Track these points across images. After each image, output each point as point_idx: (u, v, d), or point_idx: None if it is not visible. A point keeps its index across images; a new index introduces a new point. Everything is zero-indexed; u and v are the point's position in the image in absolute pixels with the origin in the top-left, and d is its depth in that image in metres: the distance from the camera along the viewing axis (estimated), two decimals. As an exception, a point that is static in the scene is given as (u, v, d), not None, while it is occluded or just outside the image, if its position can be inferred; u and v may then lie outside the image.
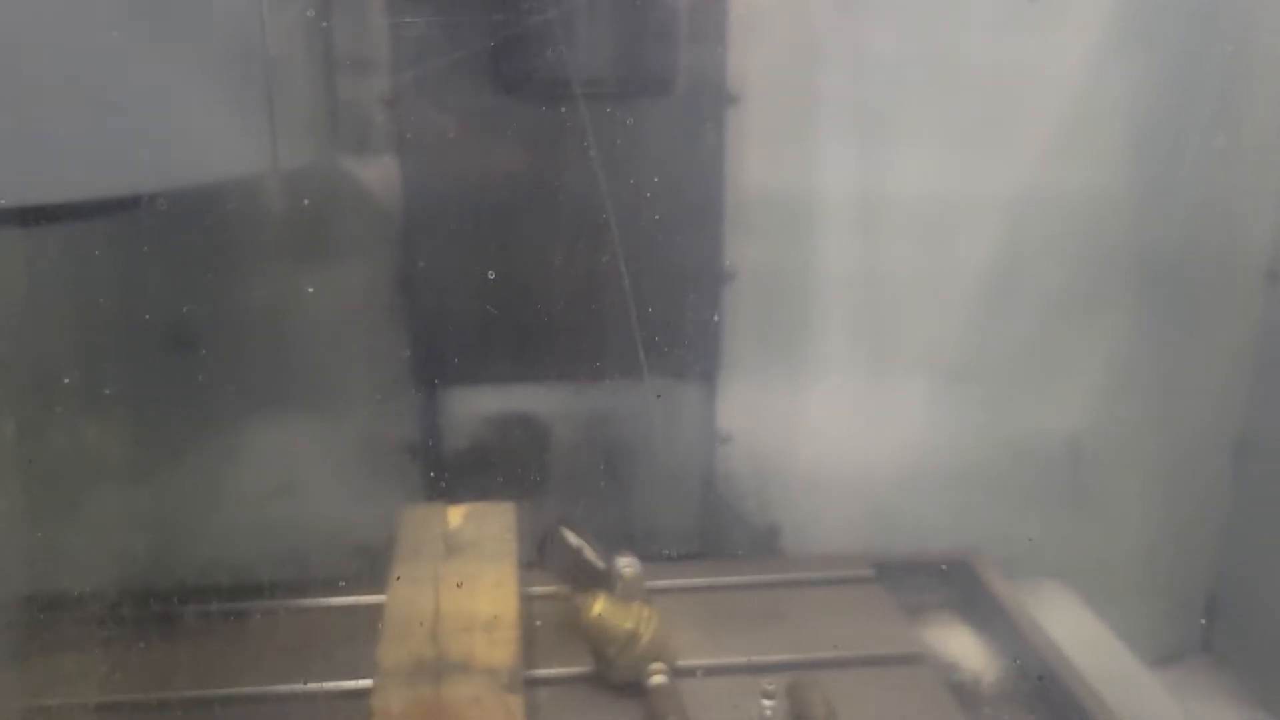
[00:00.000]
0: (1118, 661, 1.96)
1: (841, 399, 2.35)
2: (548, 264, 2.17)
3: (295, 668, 1.80)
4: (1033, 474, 2.40)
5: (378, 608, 1.88)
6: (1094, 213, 2.25)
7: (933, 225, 2.24)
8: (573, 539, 1.89)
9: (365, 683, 1.69)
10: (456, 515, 1.98)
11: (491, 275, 2.14)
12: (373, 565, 2.18)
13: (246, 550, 2.14)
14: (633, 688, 1.74)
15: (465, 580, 1.77)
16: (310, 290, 2.12)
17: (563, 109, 2.05)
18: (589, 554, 1.88)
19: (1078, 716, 1.74)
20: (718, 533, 2.31)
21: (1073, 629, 1.97)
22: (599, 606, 1.76)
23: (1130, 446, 2.40)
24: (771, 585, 2.09)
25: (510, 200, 2.13)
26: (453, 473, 2.32)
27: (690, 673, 1.75)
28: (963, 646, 2.00)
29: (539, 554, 1.90)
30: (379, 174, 2.12)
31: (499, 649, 1.62)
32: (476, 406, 2.31)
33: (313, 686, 1.76)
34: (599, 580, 1.84)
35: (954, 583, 2.17)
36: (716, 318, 2.26)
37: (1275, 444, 2.31)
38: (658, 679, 1.72)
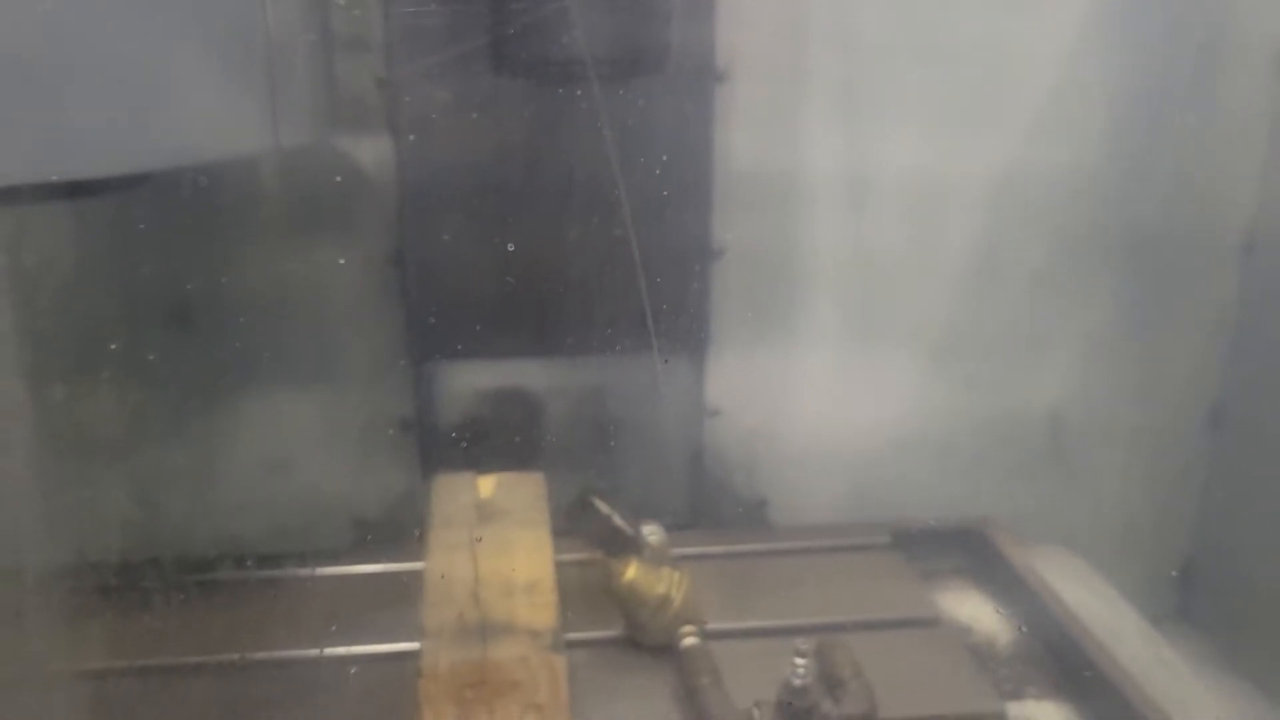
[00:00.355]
0: (1128, 623, 1.98)
1: (828, 373, 2.37)
2: (540, 241, 2.17)
3: (305, 634, 1.82)
4: (1014, 445, 2.42)
5: (381, 576, 1.96)
6: (1075, 189, 2.27)
7: (918, 203, 2.26)
8: (603, 506, 1.90)
9: (376, 648, 1.76)
10: (487, 485, 2.00)
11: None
12: (369, 537, 2.23)
13: (243, 523, 2.15)
14: (665, 650, 1.77)
15: (501, 547, 1.80)
16: (308, 267, 2.14)
17: (554, 88, 2.08)
18: (619, 521, 1.89)
19: (1092, 676, 1.77)
20: (707, 505, 2.32)
21: (1082, 593, 2.00)
22: (632, 571, 1.78)
23: (1109, 417, 2.42)
24: (791, 552, 2.12)
25: (502, 178, 2.14)
26: (447, 446, 2.32)
27: (719, 635, 1.77)
28: (976, 610, 2.03)
29: (570, 521, 1.91)
30: (373, 152, 2.12)
31: (540, 611, 1.64)
32: (470, 381, 2.31)
33: (325, 652, 1.78)
34: (629, 546, 1.85)
35: (967, 549, 2.19)
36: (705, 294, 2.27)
37: (1250, 414, 2.35)
38: (689, 640, 1.74)
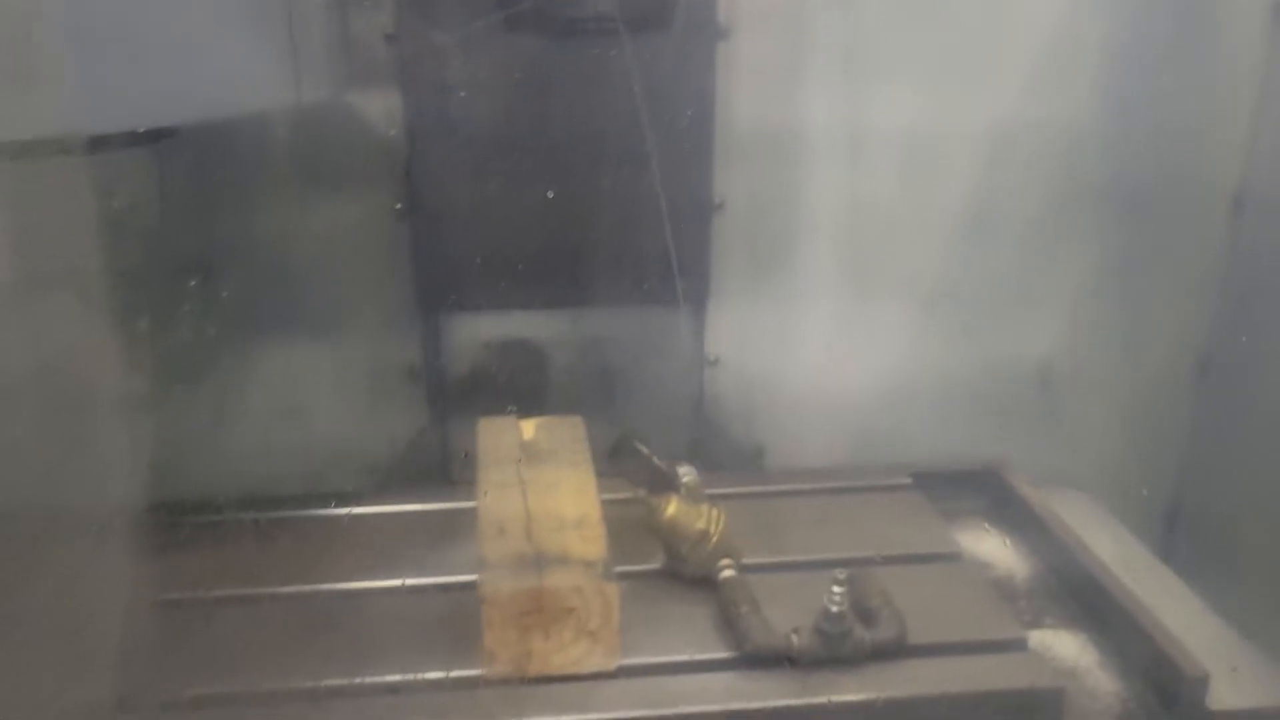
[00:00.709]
0: (1140, 559, 2.07)
1: (825, 324, 2.41)
2: (545, 195, 2.19)
3: (336, 570, 1.87)
4: (1006, 393, 2.47)
5: (398, 516, 2.04)
6: (1068, 143, 2.31)
7: (914, 157, 2.30)
8: (643, 448, 1.96)
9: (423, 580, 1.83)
10: (529, 427, 2.04)
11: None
12: (378, 482, 2.28)
13: (256, 468, 2.18)
14: (703, 582, 1.82)
15: (549, 485, 1.85)
16: (320, 220, 2.18)
17: (560, 43, 2.11)
18: (658, 461, 1.95)
19: (1110, 610, 1.84)
20: (707, 452, 2.35)
21: (1096, 531, 2.08)
22: (672, 508, 1.84)
23: (1098, 367, 2.48)
24: (816, 493, 2.16)
25: (508, 133, 2.17)
26: (454, 395, 2.37)
27: (753, 569, 1.83)
28: (994, 547, 2.10)
29: (611, 462, 1.96)
30: (382, 107, 2.14)
31: (591, 544, 1.69)
32: (476, 332, 2.35)
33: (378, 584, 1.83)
34: (667, 484, 1.91)
35: (984, 490, 2.25)
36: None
37: (1235, 365, 2.40)
38: (727, 572, 1.80)
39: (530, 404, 2.26)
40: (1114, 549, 2.02)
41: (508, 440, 2.01)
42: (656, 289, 2.29)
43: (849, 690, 1.64)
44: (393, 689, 1.64)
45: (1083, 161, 2.33)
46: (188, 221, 2.04)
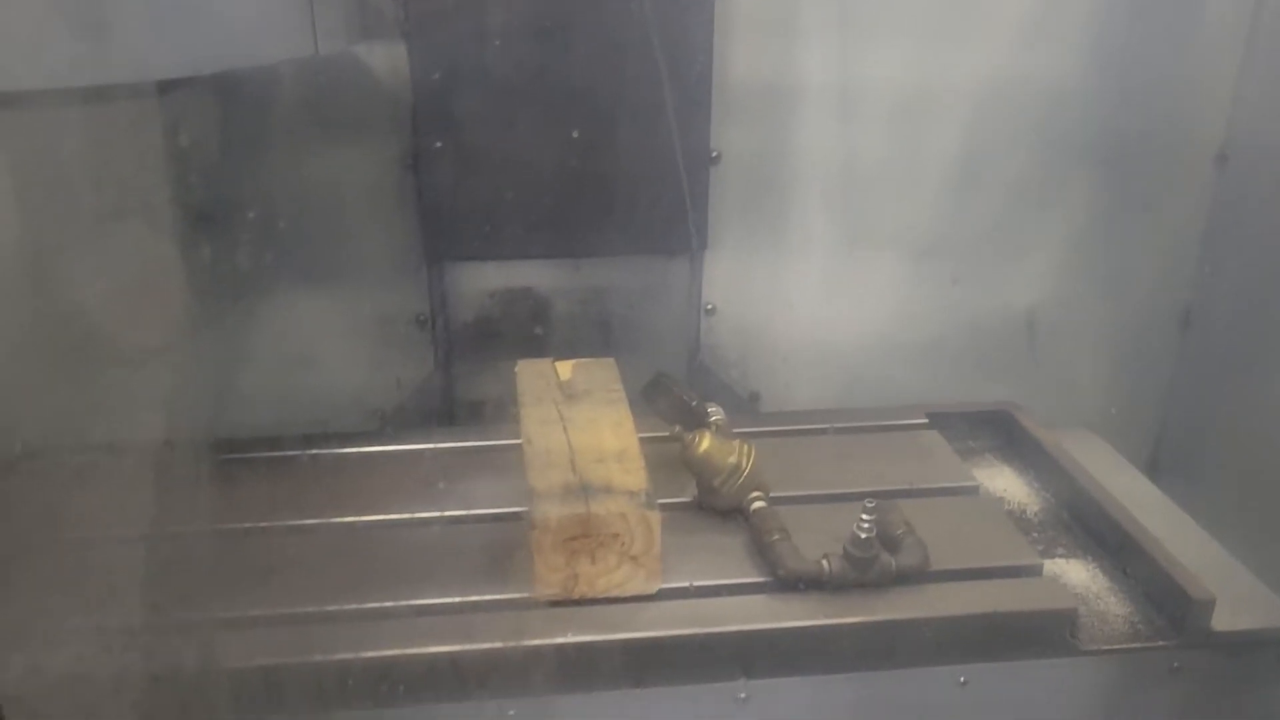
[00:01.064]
0: (1148, 494, 2.15)
1: (819, 274, 2.48)
2: (549, 146, 2.25)
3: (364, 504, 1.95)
4: (993, 343, 2.55)
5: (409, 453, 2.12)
6: (1055, 99, 2.37)
7: (906, 112, 2.36)
8: (676, 386, 2.04)
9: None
10: (565, 368, 2.11)
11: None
12: (385, 424, 2.36)
13: (269, 412, 2.24)
14: (734, 514, 1.91)
15: (588, 422, 1.93)
16: (330, 170, 2.23)
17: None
18: (691, 399, 2.03)
19: (1119, 540, 1.94)
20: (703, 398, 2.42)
21: (1104, 468, 2.16)
22: (706, 443, 1.91)
23: (1084, 317, 2.56)
24: (838, 431, 2.24)
25: (512, 84, 2.21)
26: (459, 342, 2.43)
27: (781, 502, 1.90)
28: (1008, 483, 2.19)
29: (646, 399, 2.04)
30: (388, 58, 2.18)
31: (632, 475, 1.77)
32: (482, 281, 2.41)
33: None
34: (699, 422, 1.99)
35: (997, 430, 2.34)
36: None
37: (1217, 316, 2.49)
38: (758, 504, 1.88)
39: (533, 351, 2.31)
40: (1121, 484, 2.09)
41: (546, 380, 2.08)
42: (655, 239, 2.37)
43: (876, 611, 1.73)
44: (438, 610, 1.72)
45: (1070, 116, 2.39)
46: (199, 173, 2.07)
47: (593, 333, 2.45)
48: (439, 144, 2.22)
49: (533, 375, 2.10)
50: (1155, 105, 2.39)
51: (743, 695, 1.70)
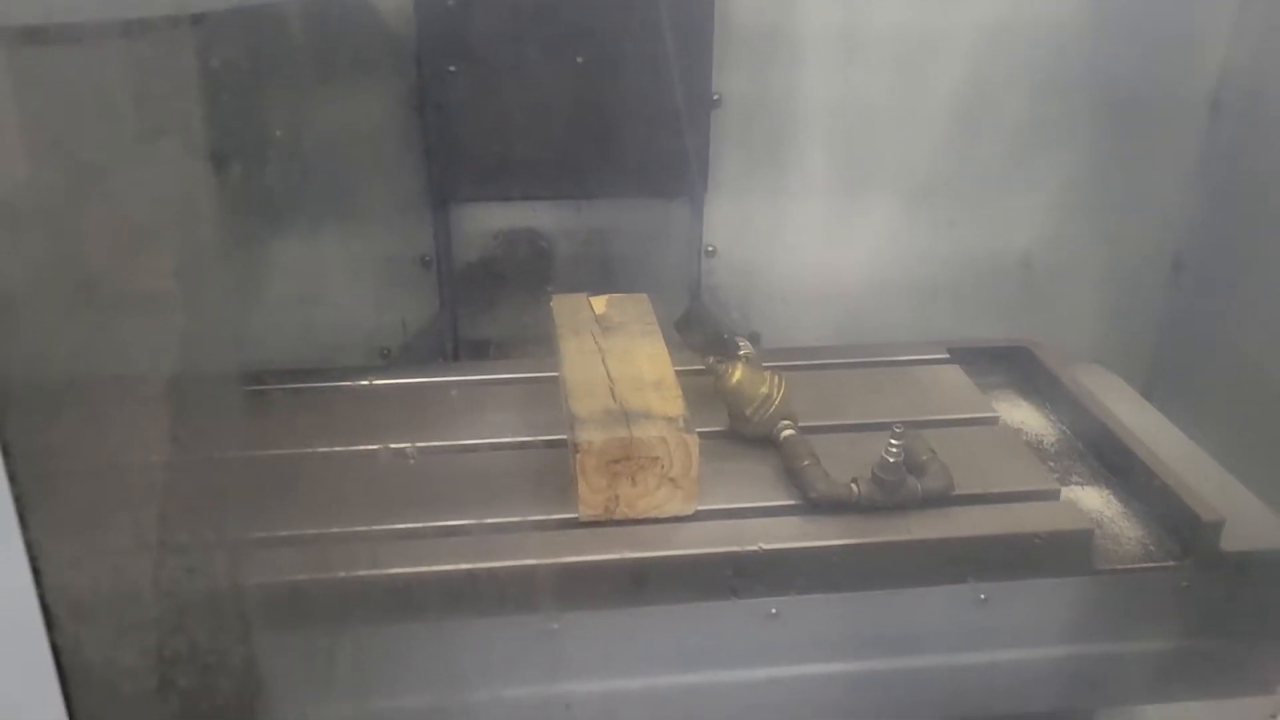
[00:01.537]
0: (1159, 425, 2.21)
1: (818, 216, 2.55)
2: (553, 88, 2.31)
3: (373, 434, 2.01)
4: (990, 284, 2.63)
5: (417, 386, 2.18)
6: (1054, 45, 2.42)
7: (906, 55, 2.42)
8: (709, 318, 2.11)
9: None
10: (599, 303, 2.18)
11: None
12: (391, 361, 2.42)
13: (276, 351, 2.27)
14: (764, 442, 1.98)
15: (625, 352, 2.01)
16: (336, 112, 2.27)
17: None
18: (723, 330, 2.09)
19: (1132, 467, 2.02)
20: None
21: (1117, 401, 2.23)
22: (738, 374, 1.98)
23: (1078, 259, 2.63)
24: (862, 365, 2.30)
25: (517, 30, 2.26)
26: (464, 282, 2.49)
27: (809, 431, 1.97)
28: (1025, 415, 2.26)
29: (680, 331, 2.10)
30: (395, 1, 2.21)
31: (670, 402, 1.85)
32: (486, 222, 2.47)
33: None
34: (731, 353, 2.05)
35: (1015, 365, 2.40)
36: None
37: (1208, 260, 2.57)
38: (788, 432, 1.95)
39: (537, 291, 2.38)
40: (1132, 415, 2.17)
41: (582, 314, 2.15)
42: (657, 182, 2.43)
43: (902, 532, 1.82)
44: (489, 530, 1.80)
45: (1067, 60, 2.44)
46: (211, 113, 2.09)
47: (595, 274, 2.51)
48: (444, 86, 2.27)
49: (569, 309, 2.17)
50: (1151, 51, 2.45)
51: (774, 611, 1.78)
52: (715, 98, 2.37)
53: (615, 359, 1.98)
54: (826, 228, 2.55)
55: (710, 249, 2.53)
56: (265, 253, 2.25)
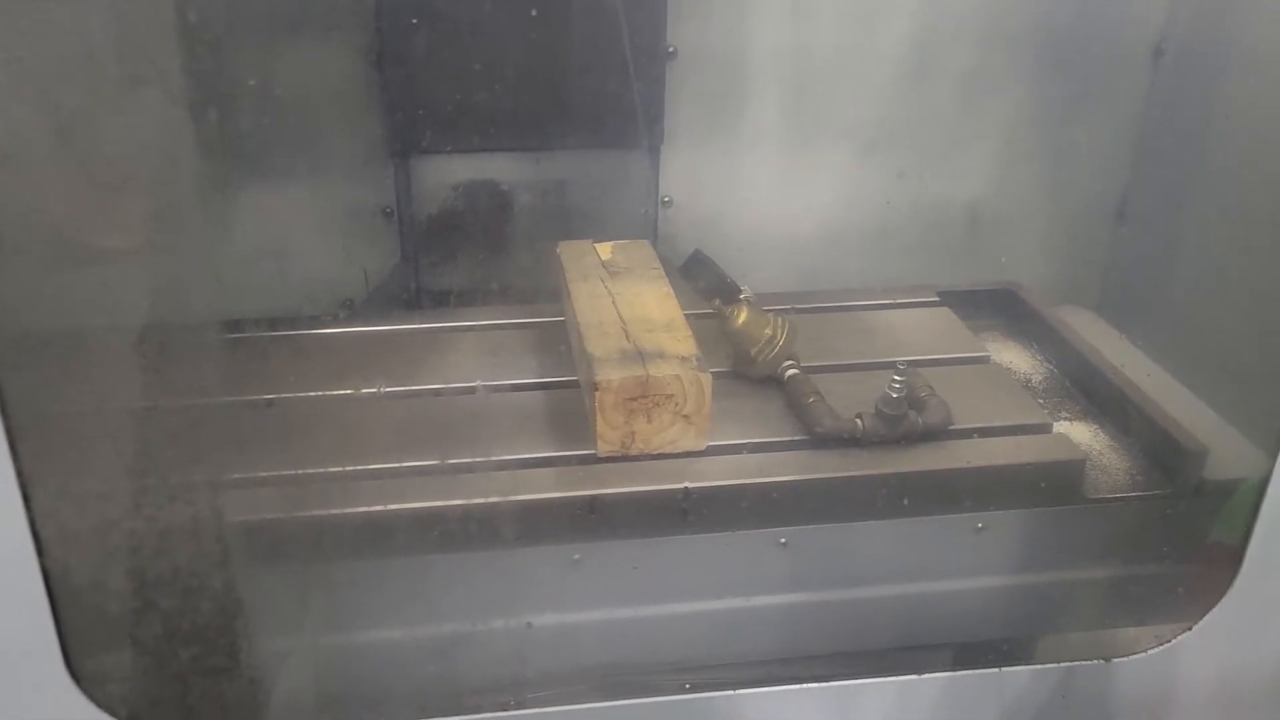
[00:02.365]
0: (1139, 362, 2.28)
1: (771, 168, 2.57)
2: (512, 40, 2.31)
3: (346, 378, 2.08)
4: (936, 233, 2.66)
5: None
6: None
7: (856, 7, 2.42)
8: (712, 264, 2.18)
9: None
10: (604, 249, 2.26)
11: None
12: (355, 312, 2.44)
13: (238, 303, 2.24)
14: (768, 382, 2.07)
15: (634, 295, 2.08)
16: (294, 65, 2.27)
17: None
18: (725, 275, 2.17)
19: (1118, 401, 2.12)
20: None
21: (1099, 340, 2.31)
22: (744, 316, 2.07)
23: (1023, 209, 2.66)
24: (855, 309, 2.39)
25: None
26: (424, 234, 2.51)
27: (810, 371, 2.06)
28: (1013, 355, 2.36)
29: (684, 275, 2.18)
30: None
31: (682, 343, 1.92)
32: (446, 174, 2.48)
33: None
34: (733, 297, 2.13)
35: (1001, 307, 2.50)
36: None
37: (1152, 209, 2.61)
38: (792, 371, 2.04)
39: (496, 242, 2.47)
40: (1116, 353, 2.26)
41: (588, 260, 2.23)
42: (614, 134, 2.44)
43: (904, 464, 1.91)
44: (512, 465, 1.89)
45: (1013, 12, 2.46)
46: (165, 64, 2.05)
47: (554, 224, 2.52)
48: (402, 39, 2.27)
49: (575, 255, 2.25)
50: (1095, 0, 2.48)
51: (783, 540, 1.87)
52: (670, 50, 2.38)
53: (625, 302, 2.06)
54: (780, 178, 2.57)
55: (667, 199, 2.55)
56: (225, 205, 2.25)
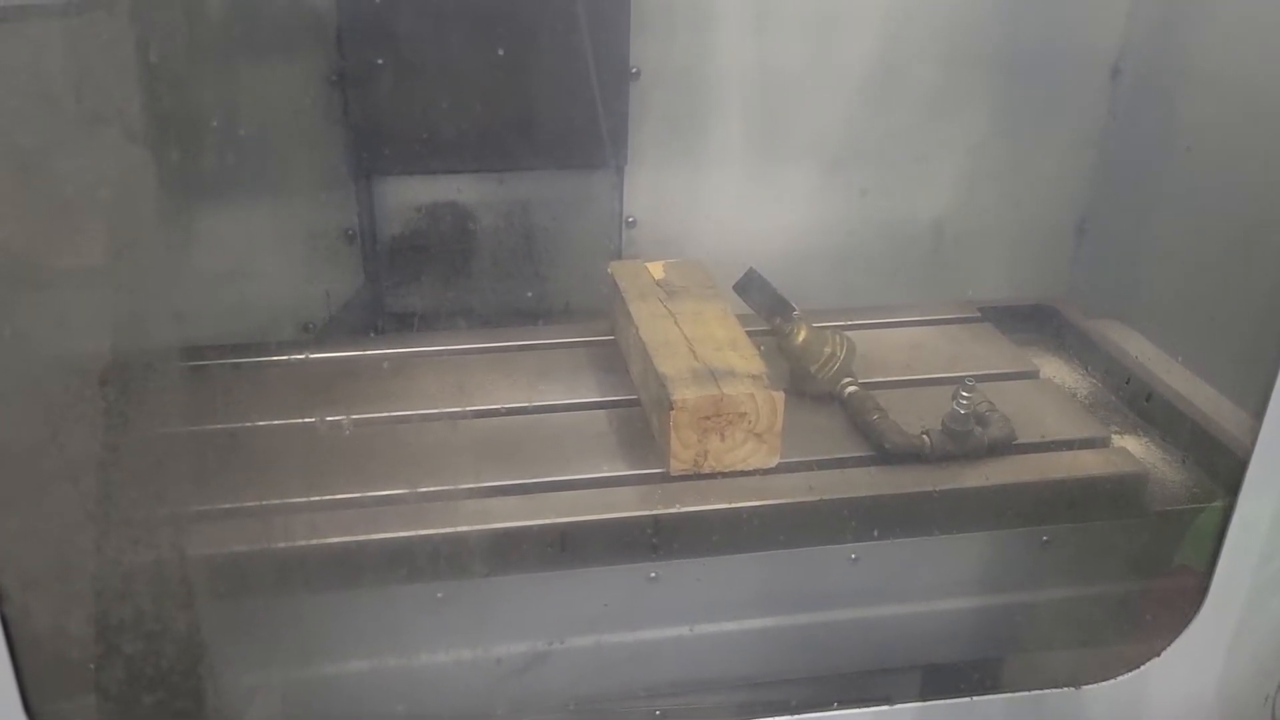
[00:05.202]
0: (1180, 375, 2.27)
1: (735, 187, 2.57)
2: (473, 63, 2.30)
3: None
4: (901, 251, 2.68)
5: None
6: (961, 13, 2.48)
7: (819, 27, 2.44)
8: (764, 282, 2.18)
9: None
10: (656, 268, 2.26)
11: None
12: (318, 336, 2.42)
13: (201, 328, 2.21)
14: (827, 398, 2.08)
15: (694, 314, 2.09)
16: (257, 89, 2.25)
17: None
18: (778, 293, 2.17)
19: (1166, 414, 2.16)
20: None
21: (1139, 353, 2.33)
22: (803, 333, 2.08)
23: (985, 227, 2.69)
24: (902, 325, 2.41)
25: (436, 1, 2.26)
26: (388, 256, 2.49)
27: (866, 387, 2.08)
28: (1056, 369, 2.38)
29: (740, 294, 2.18)
30: None
31: (750, 361, 1.93)
32: (409, 195, 2.47)
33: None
34: (787, 314, 2.14)
35: (1041, 322, 2.54)
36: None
37: (1109, 226, 2.66)
38: (852, 388, 2.05)
39: (460, 263, 2.45)
40: (1155, 365, 2.28)
41: (644, 279, 2.23)
42: (577, 155, 2.45)
43: (973, 479, 1.93)
44: (584, 485, 1.89)
45: (973, 31, 2.50)
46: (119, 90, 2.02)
47: (518, 245, 2.52)
48: (364, 60, 2.27)
49: (629, 275, 2.25)
50: (1054, 20, 2.51)
51: (854, 556, 1.88)
52: (633, 71, 2.39)
53: (686, 321, 2.06)
54: (744, 197, 2.58)
55: (631, 220, 2.54)
56: (188, 228, 2.23)
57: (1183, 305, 2.40)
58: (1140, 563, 1.99)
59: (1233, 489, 1.76)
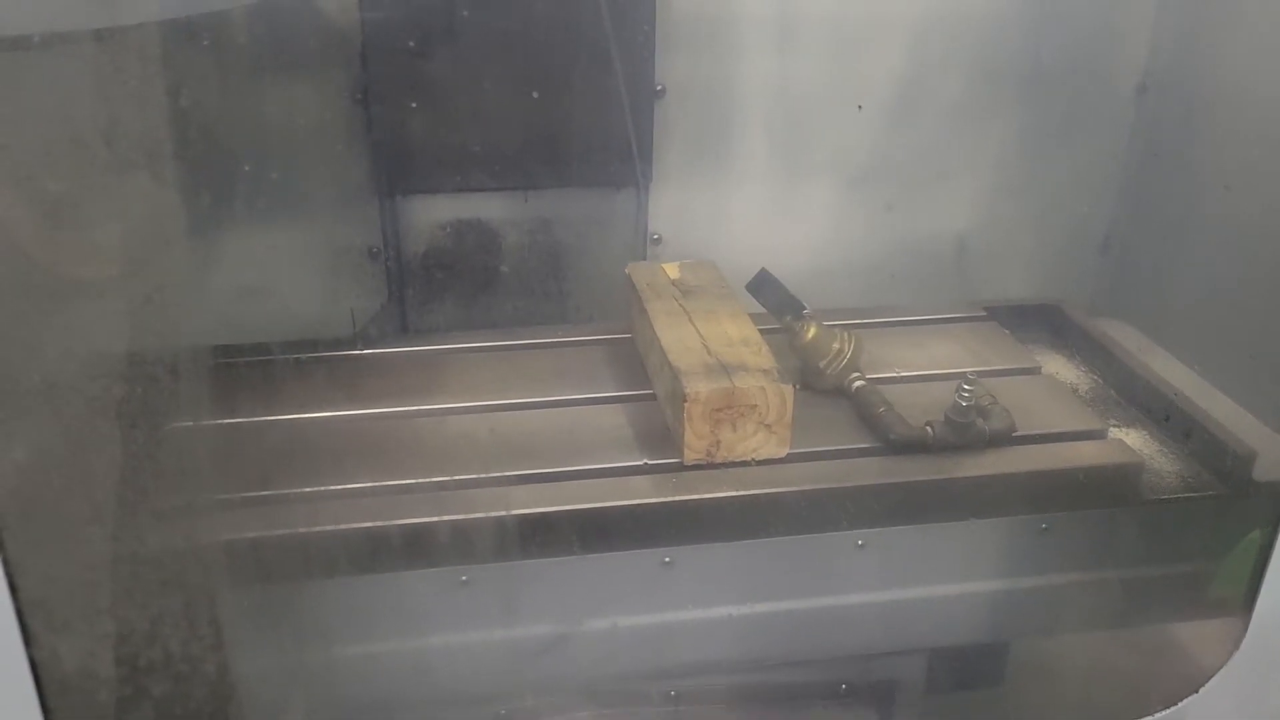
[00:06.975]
0: (1182, 374, 2.36)
1: (760, 203, 2.63)
2: (497, 81, 2.35)
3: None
4: (925, 266, 2.73)
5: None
6: (986, 30, 2.52)
7: (843, 43, 2.49)
8: (776, 282, 2.24)
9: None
10: (672, 269, 2.33)
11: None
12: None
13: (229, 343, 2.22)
14: (835, 393, 2.16)
15: (708, 312, 2.17)
16: (284, 108, 2.28)
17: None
18: (791, 293, 2.23)
19: (1166, 409, 2.22)
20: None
21: (1142, 352, 2.40)
22: (813, 331, 2.16)
23: (1009, 243, 2.75)
24: (908, 324, 2.49)
25: (461, 19, 2.30)
26: (411, 273, 2.53)
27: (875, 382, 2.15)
28: (1059, 367, 2.45)
29: (753, 294, 2.24)
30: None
31: (762, 357, 2.01)
32: (433, 213, 2.51)
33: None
34: (797, 312, 2.21)
35: (1047, 322, 2.60)
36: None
37: (1136, 243, 2.71)
38: (860, 383, 2.13)
39: (484, 281, 2.49)
40: (1158, 363, 2.36)
41: (659, 279, 2.31)
42: (602, 173, 2.49)
43: (974, 469, 2.01)
44: (602, 474, 1.98)
45: (998, 46, 2.54)
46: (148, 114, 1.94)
47: (542, 263, 2.56)
48: (389, 79, 2.31)
49: (646, 275, 2.32)
50: (1080, 37, 2.55)
51: (860, 542, 1.96)
52: (659, 88, 2.42)
53: (701, 319, 2.14)
54: (768, 213, 2.63)
55: (656, 237, 2.58)
56: (213, 246, 2.20)
57: (1209, 318, 2.46)
58: (1136, 550, 2.06)
59: (1273, 522, 1.79)
